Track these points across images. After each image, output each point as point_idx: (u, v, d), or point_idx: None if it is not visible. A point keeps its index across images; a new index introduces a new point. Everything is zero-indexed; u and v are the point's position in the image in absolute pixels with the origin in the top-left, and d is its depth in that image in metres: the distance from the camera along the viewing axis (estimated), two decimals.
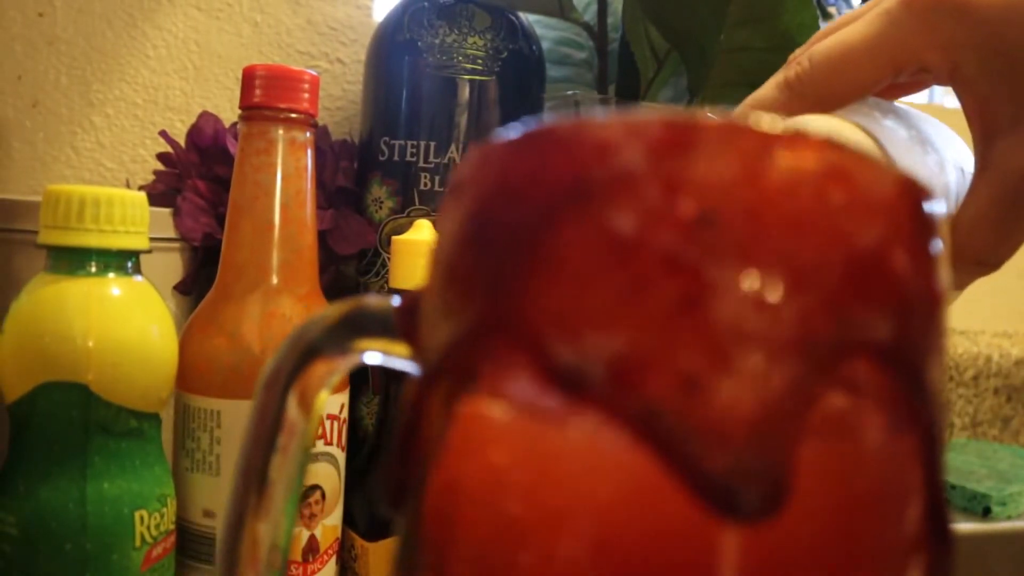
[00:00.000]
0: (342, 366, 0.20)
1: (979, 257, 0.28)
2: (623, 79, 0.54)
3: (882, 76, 0.28)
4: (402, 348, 0.19)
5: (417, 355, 0.18)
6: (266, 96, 0.40)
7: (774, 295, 0.14)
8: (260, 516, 0.20)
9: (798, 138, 0.14)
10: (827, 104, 0.28)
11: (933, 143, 0.29)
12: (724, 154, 0.14)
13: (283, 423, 0.20)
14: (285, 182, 0.41)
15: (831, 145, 0.15)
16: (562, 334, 0.14)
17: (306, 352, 0.20)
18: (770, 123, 0.14)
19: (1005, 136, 0.27)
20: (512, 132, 0.16)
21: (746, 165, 0.14)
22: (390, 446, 0.17)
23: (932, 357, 0.15)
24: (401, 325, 0.19)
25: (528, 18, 0.55)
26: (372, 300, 0.20)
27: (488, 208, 0.16)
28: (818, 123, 0.26)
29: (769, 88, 0.30)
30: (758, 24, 0.44)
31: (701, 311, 0.13)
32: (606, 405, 0.14)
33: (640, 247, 0.14)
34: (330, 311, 0.20)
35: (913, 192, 0.15)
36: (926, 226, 0.15)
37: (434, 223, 0.43)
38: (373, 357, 0.20)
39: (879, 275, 0.14)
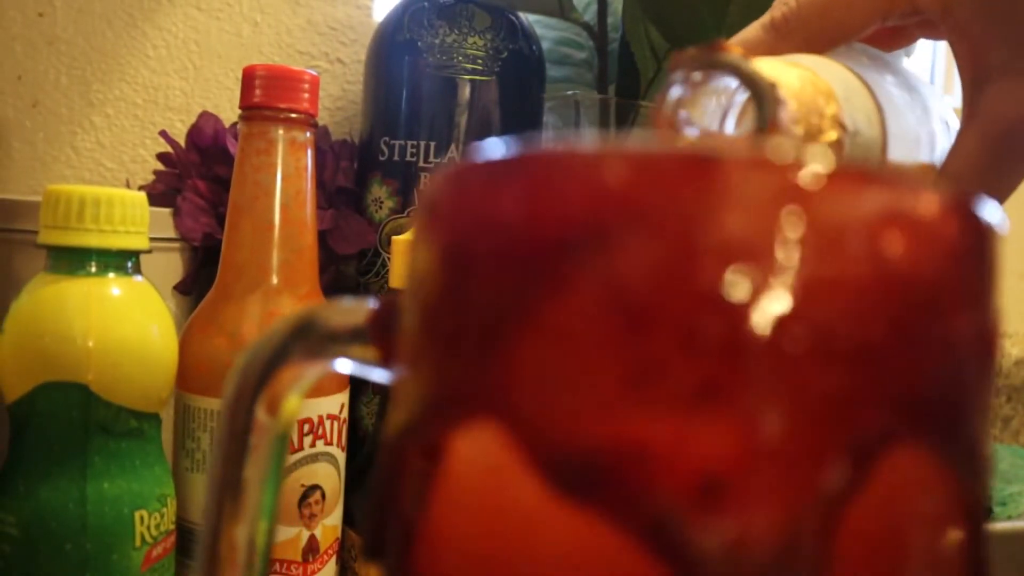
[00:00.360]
0: (310, 373, 0.19)
1: None
2: (623, 79, 0.54)
3: (871, 18, 0.27)
4: (374, 354, 0.17)
5: (390, 364, 0.16)
6: (266, 96, 0.40)
7: (814, 381, 0.11)
8: (237, 519, 0.19)
9: (841, 177, 0.12)
10: (813, 45, 0.27)
11: (919, 90, 0.29)
12: (755, 205, 0.12)
13: (252, 429, 0.19)
14: (285, 182, 0.41)
15: (882, 181, 0.12)
16: (557, 420, 0.12)
17: (271, 359, 0.18)
18: (802, 155, 0.12)
19: (996, 82, 0.26)
20: (498, 151, 0.14)
21: (782, 218, 0.12)
22: (370, 495, 0.16)
23: (981, 418, 0.13)
24: (374, 332, 0.17)
25: (528, 18, 0.55)
26: (343, 304, 0.18)
27: (470, 250, 0.13)
28: (807, 62, 0.25)
29: (754, 29, 0.28)
30: None
31: (726, 401, 0.11)
32: (607, 508, 0.12)
33: (654, 321, 0.11)
34: (297, 316, 0.19)
35: (977, 232, 0.13)
36: (987, 274, 0.13)
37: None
38: (344, 365, 0.18)
39: (938, 347, 0.12)
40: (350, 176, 0.53)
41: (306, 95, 0.41)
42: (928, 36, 0.30)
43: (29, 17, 0.58)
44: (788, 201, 0.12)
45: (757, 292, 0.11)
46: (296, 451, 0.40)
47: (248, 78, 0.41)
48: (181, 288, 0.49)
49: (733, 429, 0.11)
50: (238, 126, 0.42)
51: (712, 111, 0.23)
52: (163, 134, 0.53)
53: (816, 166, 0.12)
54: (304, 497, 0.40)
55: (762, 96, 0.21)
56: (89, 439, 0.34)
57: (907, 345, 0.12)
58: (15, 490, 0.34)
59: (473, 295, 0.13)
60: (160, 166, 0.53)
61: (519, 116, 0.52)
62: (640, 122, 0.50)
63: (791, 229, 0.12)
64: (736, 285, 0.11)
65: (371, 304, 0.17)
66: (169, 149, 0.53)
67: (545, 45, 0.56)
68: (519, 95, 0.52)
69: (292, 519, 0.40)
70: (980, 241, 0.13)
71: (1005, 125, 0.26)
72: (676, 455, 0.11)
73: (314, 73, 0.42)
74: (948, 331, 0.13)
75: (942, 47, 0.91)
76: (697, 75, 0.22)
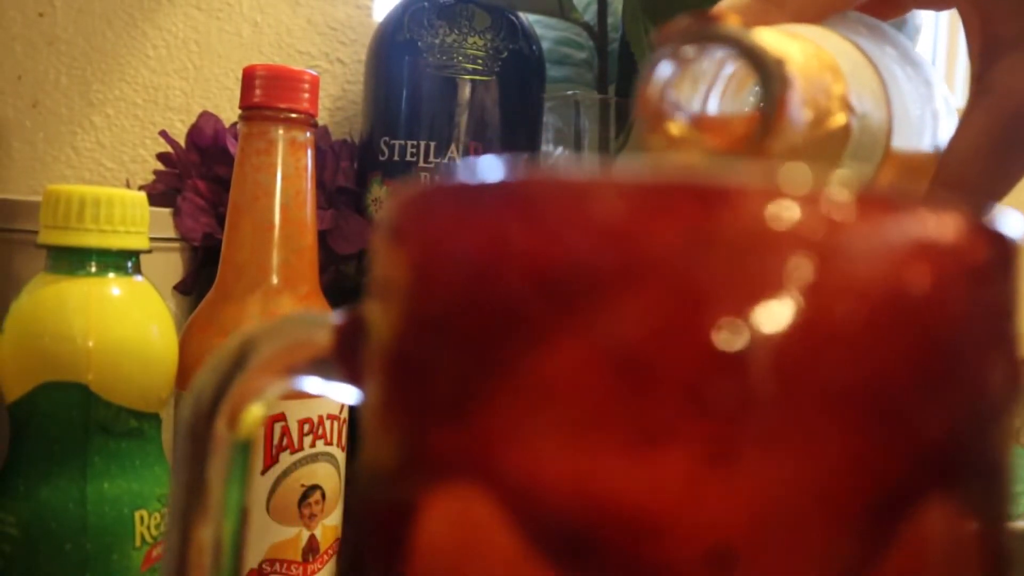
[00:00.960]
0: (270, 389, 0.18)
1: (975, 191, 0.24)
2: (623, 79, 0.54)
3: None
4: (339, 373, 0.16)
5: (358, 385, 0.15)
6: (266, 96, 0.40)
7: (834, 439, 0.10)
8: (202, 521, 0.19)
9: (861, 209, 0.11)
10: (807, 14, 0.24)
11: (920, 64, 0.27)
12: (767, 245, 0.10)
13: (212, 439, 0.18)
14: (285, 182, 0.41)
15: (904, 209, 0.11)
16: (546, 483, 0.11)
17: (225, 378, 0.17)
18: (817, 182, 0.11)
19: (1007, 56, 0.24)
20: (474, 173, 0.12)
21: (797, 260, 0.10)
22: (343, 549, 0.15)
23: (1006, 453, 0.12)
24: (339, 352, 0.15)
25: (528, 18, 0.55)
26: (307, 317, 0.17)
27: (441, 289, 0.12)
28: (807, 33, 0.23)
29: None
30: None
31: (735, 463, 0.10)
32: None
33: (655, 376, 0.10)
34: (257, 328, 0.17)
35: (1004, 254, 0.12)
36: (1014, 297, 0.12)
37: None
38: (310, 383, 0.17)
39: (966, 389, 0.11)
40: (350, 176, 0.53)
41: (306, 95, 0.41)
42: (930, 6, 0.28)
43: (29, 17, 0.58)
44: (803, 241, 0.11)
45: (768, 344, 0.10)
46: (296, 451, 0.40)
47: (248, 78, 0.41)
48: (181, 288, 0.49)
49: (744, 493, 0.10)
50: (238, 126, 0.42)
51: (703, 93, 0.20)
52: (163, 134, 0.53)
53: (833, 197, 0.11)
54: (304, 497, 0.40)
55: (768, 74, 0.18)
56: (89, 439, 0.34)
57: (934, 392, 0.11)
58: (15, 490, 0.34)
59: (444, 340, 0.12)
60: (160, 166, 0.53)
61: (519, 116, 0.52)
62: (639, 123, 0.50)
63: (806, 273, 0.11)
64: (745, 337, 0.10)
65: (336, 319, 0.16)
66: (169, 149, 0.53)
67: (545, 45, 0.56)
68: (519, 95, 0.52)
69: (292, 519, 0.40)
70: (1007, 263, 0.12)
71: (1017, 100, 0.24)
72: (680, 522, 0.10)
73: (314, 73, 0.42)
74: (976, 371, 0.12)
75: (941, 40, 0.91)
76: (689, 50, 0.19)
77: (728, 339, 0.10)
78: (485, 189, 0.12)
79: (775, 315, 0.10)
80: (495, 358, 0.11)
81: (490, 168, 0.12)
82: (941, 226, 0.11)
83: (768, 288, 0.10)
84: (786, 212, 0.11)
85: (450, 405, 0.11)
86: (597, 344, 0.10)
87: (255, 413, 0.18)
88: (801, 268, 0.10)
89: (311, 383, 0.17)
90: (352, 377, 0.15)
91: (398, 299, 0.13)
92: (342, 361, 0.15)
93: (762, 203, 0.11)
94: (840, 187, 0.11)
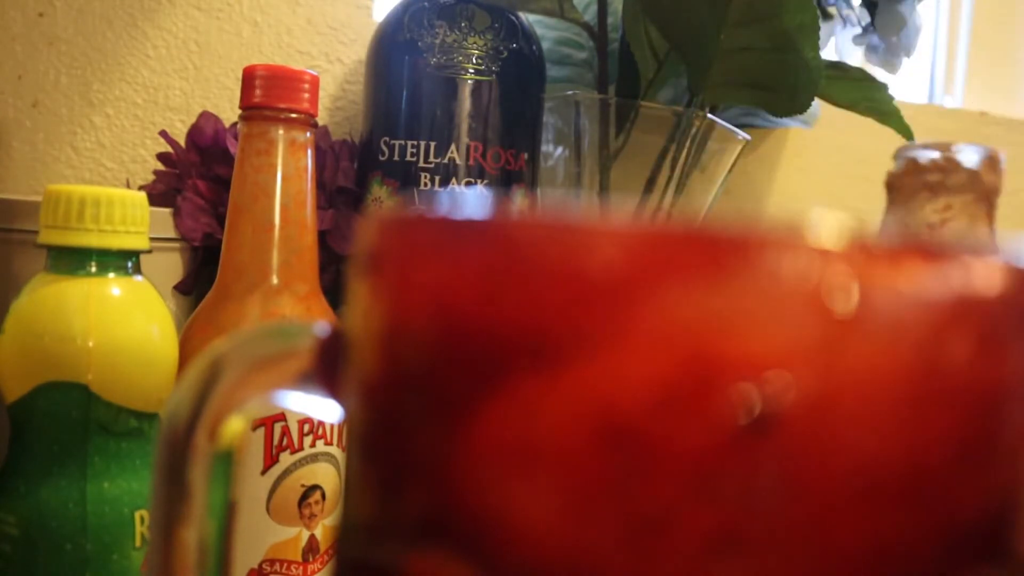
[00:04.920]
0: (249, 404, 0.17)
1: None
2: (623, 79, 0.54)
3: None
4: (320, 388, 0.15)
5: (339, 401, 0.14)
6: (266, 96, 0.40)
7: (859, 524, 0.09)
8: (185, 524, 0.18)
9: (892, 261, 0.09)
10: None
11: None
12: (784, 303, 0.09)
13: (192, 450, 0.17)
14: (285, 183, 0.41)
15: (940, 258, 0.09)
16: (534, 567, 0.09)
17: (203, 390, 0.16)
18: (842, 230, 0.09)
19: None
20: (458, 206, 0.10)
21: (819, 320, 0.09)
22: None
23: None
24: (319, 367, 0.14)
25: (528, 18, 0.55)
26: (287, 328, 0.16)
27: (420, 327, 0.10)
28: None
29: None
30: (759, 24, 0.44)
31: (746, 554, 0.09)
32: None
33: (655, 452, 0.09)
34: (232, 341, 0.17)
35: None
36: None
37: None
38: (291, 398, 0.16)
39: (1006, 457, 0.10)
40: (350, 176, 0.53)
41: (306, 95, 0.41)
42: None
43: (29, 17, 0.58)
44: (828, 300, 0.09)
45: (784, 418, 0.09)
46: (296, 451, 0.40)
47: (248, 78, 0.41)
48: (181, 288, 0.49)
49: None
50: (238, 126, 0.42)
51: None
52: (163, 134, 0.53)
53: (861, 250, 0.09)
54: (304, 497, 0.40)
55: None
56: (89, 439, 0.34)
57: (974, 468, 0.10)
58: (15, 490, 0.34)
59: (418, 388, 0.10)
60: (160, 166, 0.53)
61: (519, 116, 0.52)
62: (639, 123, 0.50)
63: (831, 336, 0.09)
64: (759, 410, 0.09)
65: (318, 331, 0.15)
66: (169, 149, 0.53)
67: (545, 45, 0.56)
68: (519, 95, 0.52)
69: (292, 519, 0.40)
70: None
71: None
72: None
73: (314, 73, 0.42)
74: (1016, 434, 0.10)
75: (941, 40, 0.91)
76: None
77: (741, 413, 0.09)
78: (471, 227, 0.10)
79: (794, 385, 0.09)
80: (475, 414, 0.10)
81: (479, 203, 0.10)
82: (987, 276, 0.10)
83: (787, 354, 0.09)
84: (808, 266, 0.09)
85: (425, 462, 0.10)
86: (589, 409, 0.09)
87: (235, 426, 0.17)
88: (825, 331, 0.09)
89: (292, 398, 0.16)
90: (334, 394, 0.14)
91: (373, 331, 0.12)
92: (322, 378, 0.14)
93: (781, 256, 0.09)
94: (869, 237, 0.09)
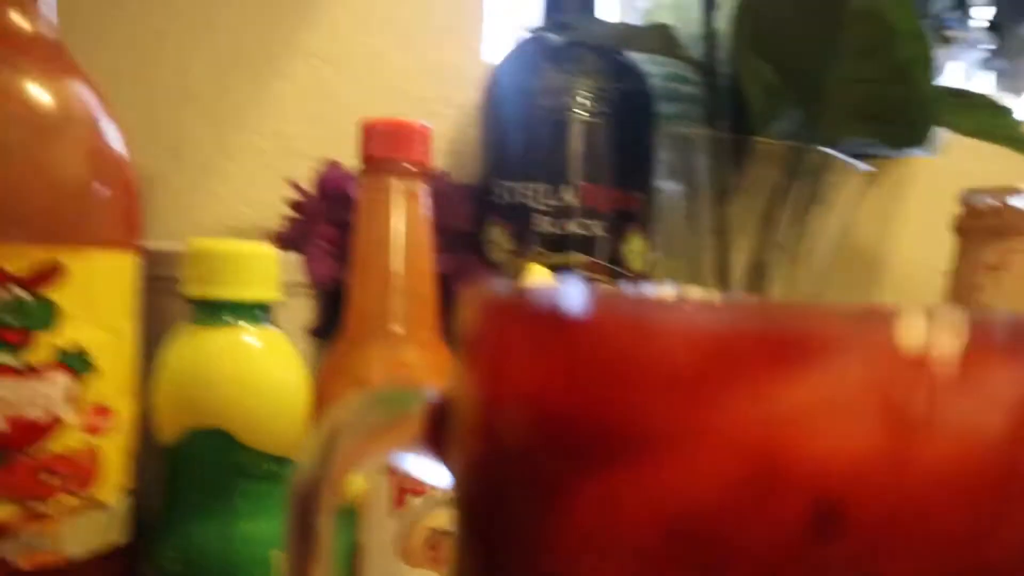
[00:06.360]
0: (368, 464, 0.17)
1: None
2: (734, 114, 0.54)
3: None
4: (431, 454, 0.15)
5: (448, 466, 0.14)
6: (381, 149, 0.42)
7: None
8: (315, 564, 0.19)
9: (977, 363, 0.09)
10: None
11: None
12: (857, 409, 0.09)
13: (318, 505, 0.18)
14: (404, 232, 0.42)
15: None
16: None
17: (323, 459, 0.17)
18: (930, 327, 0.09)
19: None
20: (552, 295, 0.11)
21: (894, 429, 0.09)
22: None
23: None
24: (428, 434, 0.14)
25: (637, 57, 0.55)
26: (398, 395, 0.16)
27: (509, 410, 0.11)
28: None
29: None
30: (871, 57, 0.43)
31: None
32: None
33: (729, 563, 0.09)
34: (349, 407, 0.17)
35: None
36: None
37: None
38: (407, 460, 0.17)
39: None
40: (469, 219, 0.55)
41: (420, 146, 0.43)
42: None
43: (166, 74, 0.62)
44: (898, 398, 0.09)
45: (853, 522, 0.09)
46: (423, 494, 0.41)
47: (364, 132, 0.43)
48: (314, 332, 0.52)
49: None
50: (358, 177, 0.44)
51: None
52: (292, 183, 0.56)
53: (928, 342, 0.09)
54: (431, 539, 0.42)
55: None
56: (233, 482, 0.37)
57: None
58: (175, 529, 0.37)
59: (509, 469, 0.11)
60: (291, 212, 0.56)
61: (631, 155, 0.53)
62: (754, 158, 0.50)
63: (909, 447, 0.09)
64: (837, 525, 0.09)
65: (428, 396, 0.15)
66: (298, 196, 0.55)
67: (654, 82, 0.56)
68: (630, 134, 0.53)
69: (420, 561, 0.41)
70: None
71: None
72: None
73: (426, 124, 0.43)
74: None
75: None
76: None
77: (810, 515, 0.09)
78: (557, 320, 0.11)
79: (863, 487, 0.09)
80: (562, 499, 0.10)
81: (568, 293, 0.11)
82: None
83: (857, 455, 0.09)
84: (877, 366, 0.09)
85: (517, 538, 0.11)
86: (663, 506, 0.09)
87: (356, 484, 0.19)
88: (897, 433, 0.09)
89: (407, 460, 0.17)
90: (443, 459, 0.15)
91: (471, 407, 0.12)
92: (432, 443, 0.15)
93: (850, 354, 0.09)
94: (940, 331, 0.09)
